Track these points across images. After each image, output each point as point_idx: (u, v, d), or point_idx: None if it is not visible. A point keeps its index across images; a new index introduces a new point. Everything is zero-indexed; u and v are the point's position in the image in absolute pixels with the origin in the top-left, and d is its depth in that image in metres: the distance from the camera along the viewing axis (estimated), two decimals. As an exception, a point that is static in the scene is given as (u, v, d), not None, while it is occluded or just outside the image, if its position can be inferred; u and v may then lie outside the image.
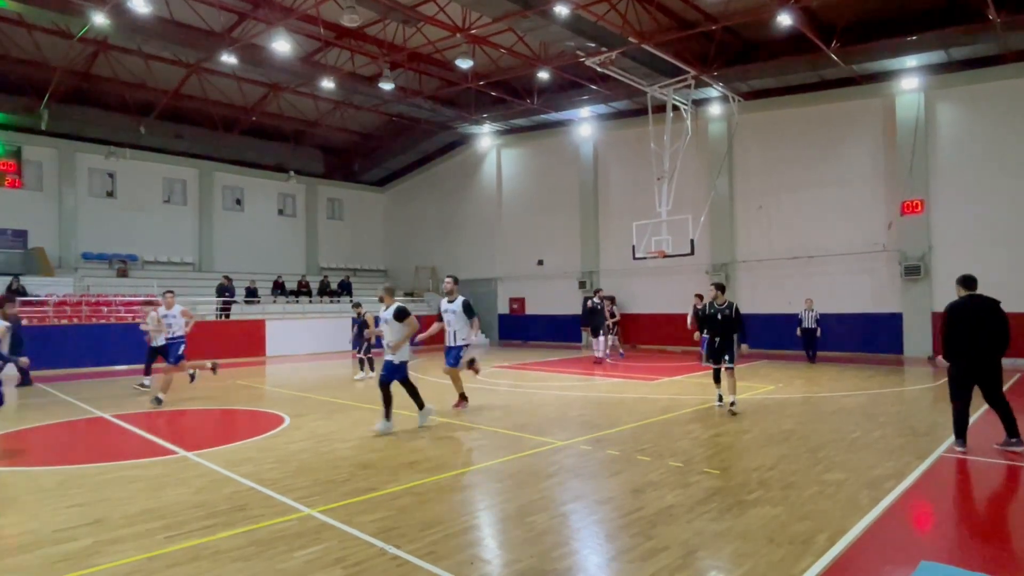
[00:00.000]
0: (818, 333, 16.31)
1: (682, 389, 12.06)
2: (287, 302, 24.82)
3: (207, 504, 5.21)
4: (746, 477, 5.91)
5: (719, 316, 9.23)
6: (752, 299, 20.06)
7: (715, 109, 20.57)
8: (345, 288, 27.01)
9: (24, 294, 18.72)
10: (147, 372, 12.81)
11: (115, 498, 5.41)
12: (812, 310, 16.35)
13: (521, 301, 26.68)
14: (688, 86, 17.65)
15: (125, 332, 18.96)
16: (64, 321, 18.52)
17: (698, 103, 20.01)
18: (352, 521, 4.74)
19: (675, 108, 17.86)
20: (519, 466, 6.43)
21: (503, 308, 27.31)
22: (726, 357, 9.20)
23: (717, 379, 9.54)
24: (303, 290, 25.90)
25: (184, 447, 7.32)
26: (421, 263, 30.19)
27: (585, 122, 23.80)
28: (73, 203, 23.43)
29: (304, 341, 22.66)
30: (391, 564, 4.00)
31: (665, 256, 17.13)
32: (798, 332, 16.45)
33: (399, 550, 4.20)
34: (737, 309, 9.27)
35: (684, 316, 21.58)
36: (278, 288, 25.25)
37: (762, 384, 12.48)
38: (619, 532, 4.57)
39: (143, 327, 12.84)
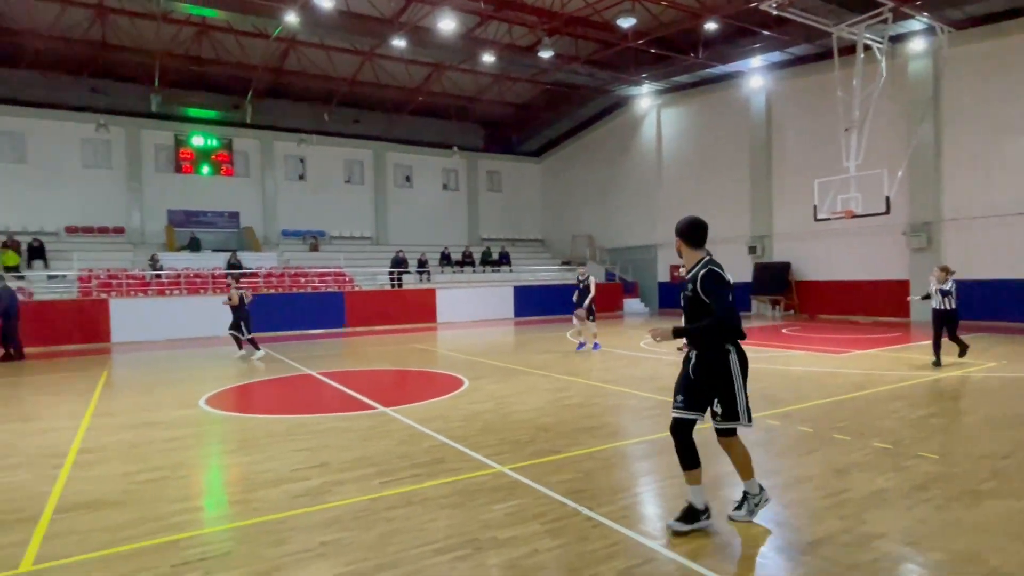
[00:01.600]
0: (951, 305, 10.15)
1: (877, 363, 10.87)
2: (453, 272, 26.25)
3: (410, 455, 5.70)
4: (974, 464, 5.18)
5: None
6: (966, 262, 17.18)
7: (917, 44, 17.86)
8: (504, 258, 27.89)
9: (240, 267, 21.76)
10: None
11: (333, 445, 6.12)
12: (947, 283, 10.19)
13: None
14: (884, 21, 15.45)
15: (320, 300, 21.34)
16: (271, 290, 21.26)
17: (896, 39, 17.50)
18: (542, 480, 4.91)
19: (867, 48, 15.77)
20: (702, 438, 6.17)
21: (663, 276, 26.50)
22: (716, 406, 3.98)
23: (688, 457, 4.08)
24: (467, 260, 27.20)
25: (381, 403, 8.07)
26: (578, 231, 30.20)
27: (756, 73, 21.93)
28: (273, 187, 26.60)
29: (469, 308, 23.86)
30: (587, 524, 4.08)
31: (853, 216, 15.40)
32: (931, 303, 10.46)
33: (593, 512, 4.27)
34: (709, 276, 3.91)
35: (877, 283, 19.47)
36: (445, 259, 26.76)
37: (980, 359, 10.84)
38: (825, 513, 4.24)
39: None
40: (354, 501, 4.57)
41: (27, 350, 14.74)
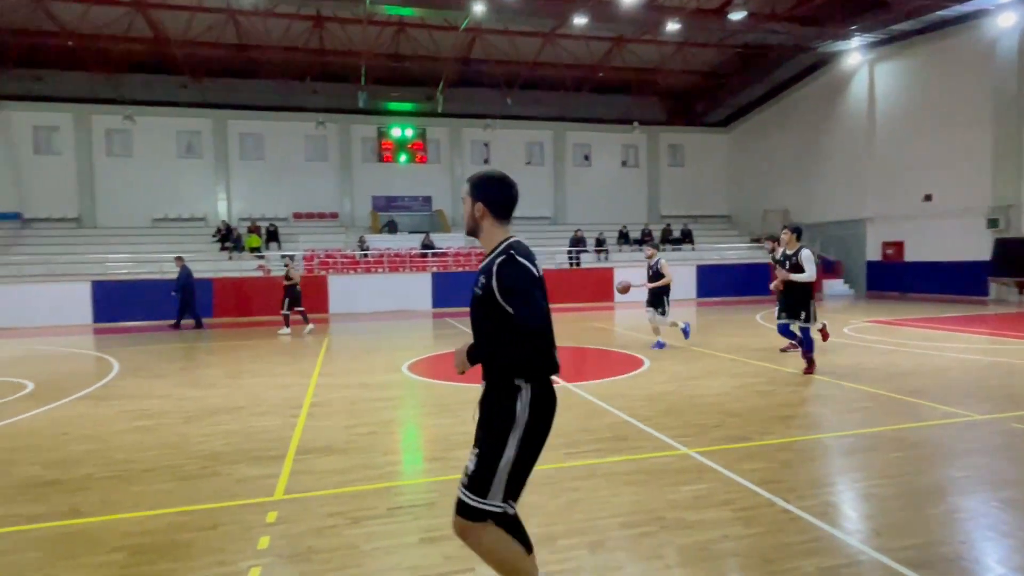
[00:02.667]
0: None
1: None
2: (632, 251, 25.84)
3: (592, 430, 5.81)
4: None
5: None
6: None
7: None
8: (686, 236, 26.77)
9: (433, 247, 23.56)
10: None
11: (519, 415, 6.43)
12: None
13: (898, 246, 22.56)
14: None
15: (503, 278, 22.33)
16: (459, 269, 22.75)
17: None
18: (732, 467, 4.70)
19: None
20: (922, 437, 5.48)
21: (873, 254, 23.50)
22: (470, 459, 2.71)
23: None
24: (646, 239, 26.55)
25: (563, 378, 8.29)
26: (770, 206, 27.89)
27: (1007, 9, 18.16)
28: (460, 172, 28.26)
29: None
30: (783, 516, 3.84)
31: None
32: None
33: (789, 504, 4.00)
34: (509, 267, 2.59)
35: None
36: (623, 238, 26.43)
37: None
38: (1095, 538, 3.52)
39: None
40: (541, 469, 4.73)
41: (266, 318, 17.49)
